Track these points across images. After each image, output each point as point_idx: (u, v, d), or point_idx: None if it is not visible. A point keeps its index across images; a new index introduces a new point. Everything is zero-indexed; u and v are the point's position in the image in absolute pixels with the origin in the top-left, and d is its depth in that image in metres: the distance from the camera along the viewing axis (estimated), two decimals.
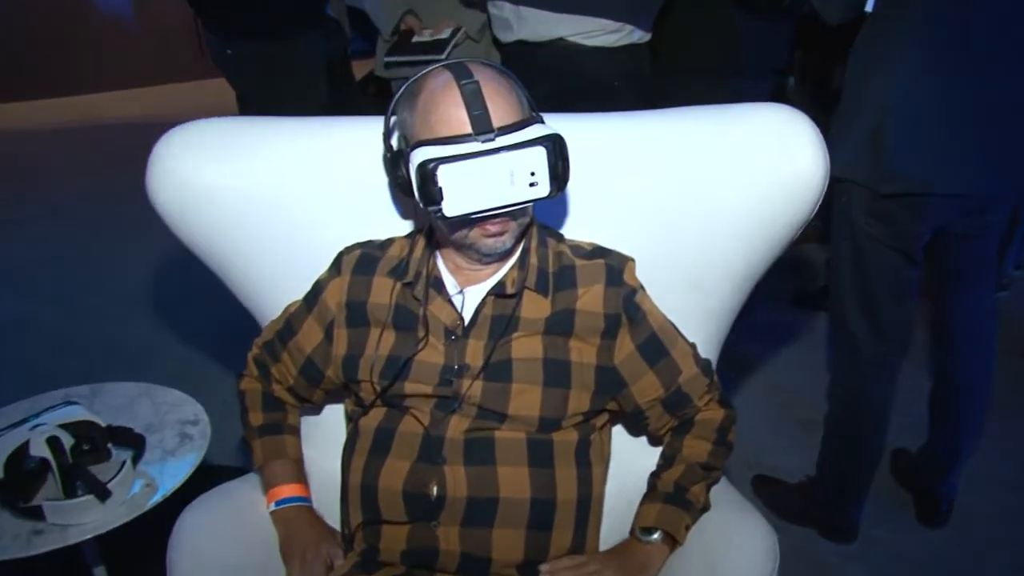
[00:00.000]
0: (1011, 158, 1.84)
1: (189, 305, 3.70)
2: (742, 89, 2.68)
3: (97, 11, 7.88)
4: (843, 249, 1.99)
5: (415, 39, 2.93)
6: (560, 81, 2.43)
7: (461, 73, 1.23)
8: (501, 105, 1.22)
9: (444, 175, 1.18)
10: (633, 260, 1.40)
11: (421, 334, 1.35)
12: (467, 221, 1.24)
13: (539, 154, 1.19)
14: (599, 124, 1.52)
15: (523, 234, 1.34)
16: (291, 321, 1.47)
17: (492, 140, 1.19)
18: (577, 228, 1.47)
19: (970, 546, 2.29)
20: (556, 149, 1.19)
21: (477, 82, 1.22)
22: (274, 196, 1.50)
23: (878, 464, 2.23)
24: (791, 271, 3.69)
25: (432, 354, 1.34)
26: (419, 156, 1.18)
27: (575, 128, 1.51)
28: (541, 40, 2.49)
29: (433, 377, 1.33)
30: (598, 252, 1.40)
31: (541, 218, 1.44)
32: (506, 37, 2.58)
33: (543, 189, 1.20)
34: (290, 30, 2.89)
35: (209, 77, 7.60)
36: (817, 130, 1.40)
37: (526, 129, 1.21)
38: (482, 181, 1.19)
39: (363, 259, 1.42)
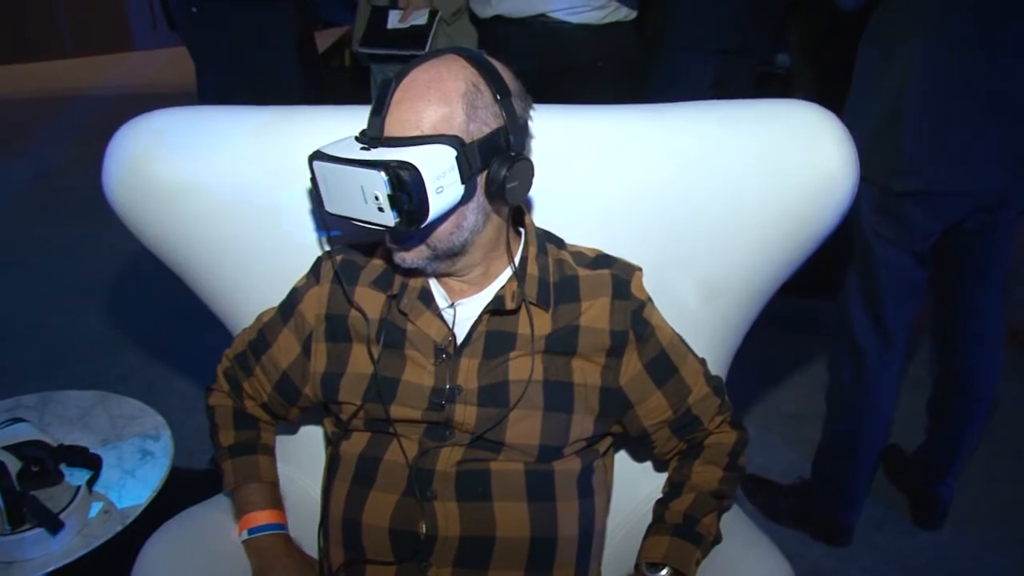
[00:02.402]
0: None
1: (146, 298, 3.52)
2: (728, 67, 2.59)
3: None
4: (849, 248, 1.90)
5: (390, 25, 2.79)
6: (541, 60, 2.32)
7: (405, 69, 1.12)
8: (406, 113, 1.09)
9: (318, 170, 1.12)
10: (641, 270, 1.28)
11: (408, 352, 1.22)
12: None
13: (378, 179, 1.04)
14: (608, 115, 1.39)
15: (458, 252, 1.18)
16: (265, 332, 1.33)
17: (367, 150, 1.08)
18: (584, 229, 1.34)
19: (969, 548, 2.22)
20: (396, 180, 1.03)
21: (397, 83, 1.10)
22: (240, 193, 1.37)
23: (876, 467, 2.15)
24: None
25: (420, 375, 1.22)
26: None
27: (583, 117, 1.39)
28: (521, 16, 2.37)
29: (422, 401, 1.20)
30: (603, 261, 1.28)
31: (542, 218, 1.31)
32: (484, 12, 2.45)
33: (387, 217, 1.06)
34: None
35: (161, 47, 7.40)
36: (847, 130, 1.28)
37: (399, 148, 1.06)
38: (340, 188, 1.10)
39: (345, 266, 1.28)
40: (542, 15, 2.35)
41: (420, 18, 2.76)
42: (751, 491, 2.36)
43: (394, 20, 2.80)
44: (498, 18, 2.41)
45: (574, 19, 2.34)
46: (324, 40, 3.63)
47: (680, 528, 1.24)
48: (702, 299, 1.35)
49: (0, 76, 7.18)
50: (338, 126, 1.20)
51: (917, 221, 1.79)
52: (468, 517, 1.17)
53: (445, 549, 1.17)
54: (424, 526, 1.17)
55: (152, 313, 3.40)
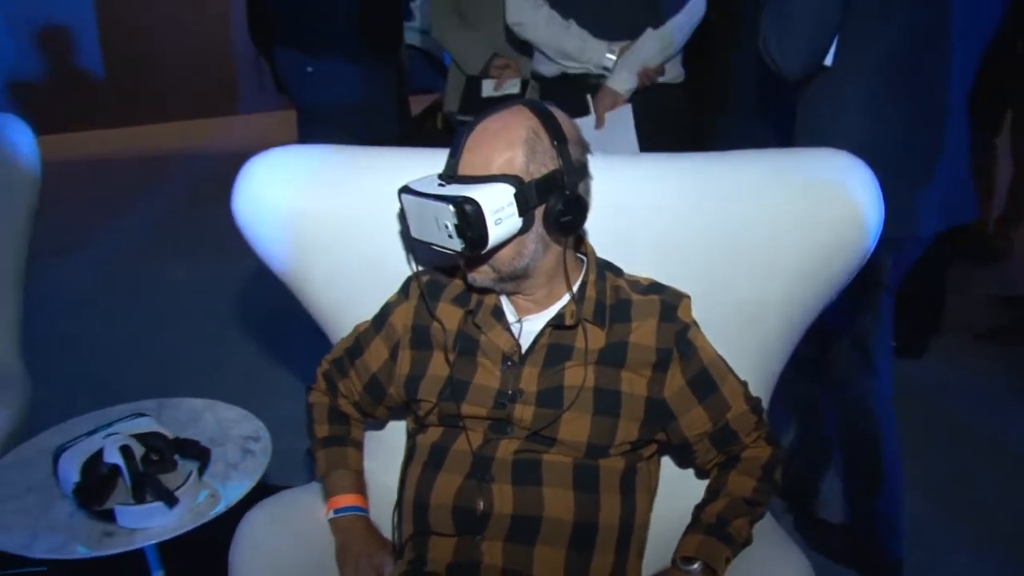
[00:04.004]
0: (955, 195, 1.94)
1: (246, 330, 3.86)
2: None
3: (160, 44, 8.13)
4: None
5: (484, 94, 3.03)
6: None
7: (479, 118, 1.34)
8: (475, 156, 1.31)
9: (405, 202, 1.33)
10: (689, 297, 1.44)
11: (479, 359, 1.41)
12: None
13: (448, 211, 1.25)
14: (664, 163, 1.58)
15: (520, 276, 1.37)
16: (360, 340, 1.54)
17: (443, 186, 1.30)
18: (638, 259, 1.52)
19: None
20: (461, 213, 1.23)
21: (470, 130, 1.33)
22: (350, 222, 1.59)
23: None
24: None
25: (488, 379, 1.40)
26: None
27: (639, 164, 1.59)
28: (578, 73, 2.59)
29: (488, 400, 1.39)
30: (654, 288, 1.45)
31: (603, 250, 1.49)
32: (549, 71, 2.66)
33: (455, 243, 1.27)
34: (373, 55, 3.05)
35: (266, 110, 7.87)
36: (874, 176, 1.45)
37: (468, 185, 1.27)
38: (421, 217, 1.32)
39: (430, 285, 1.49)
40: (600, 74, 2.56)
41: (513, 87, 2.99)
42: (801, 528, 2.45)
43: (488, 89, 3.04)
44: (564, 76, 2.62)
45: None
46: (416, 105, 3.93)
47: (713, 528, 1.38)
48: (741, 325, 1.51)
49: (115, 137, 7.74)
50: (427, 166, 1.41)
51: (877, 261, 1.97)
52: (520, 498, 1.34)
53: (498, 525, 1.34)
54: (481, 504, 1.34)
55: (253, 341, 3.76)
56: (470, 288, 1.44)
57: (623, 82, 2.52)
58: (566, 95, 2.51)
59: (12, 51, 7.50)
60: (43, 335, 2.69)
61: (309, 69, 3.02)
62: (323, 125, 3.02)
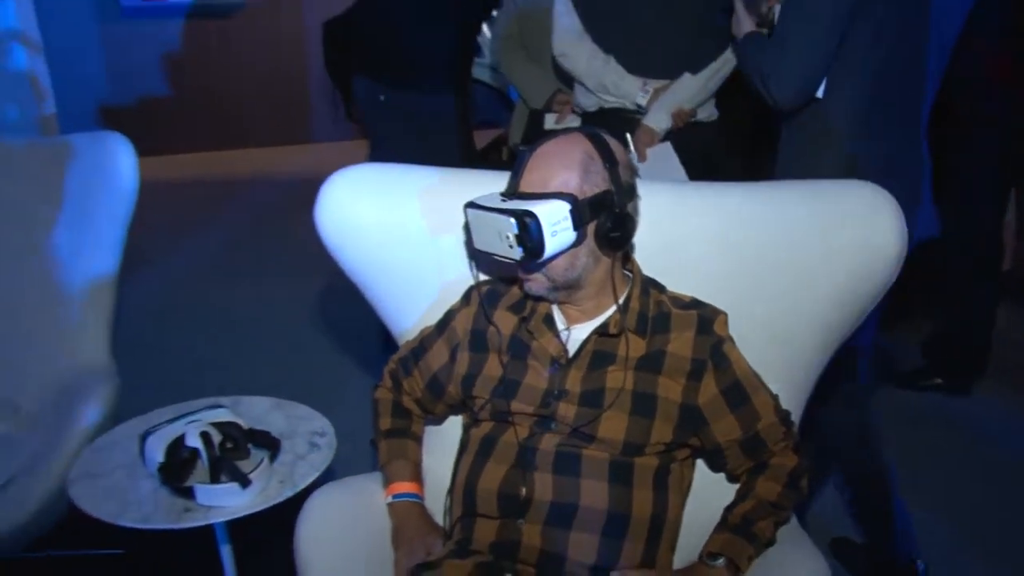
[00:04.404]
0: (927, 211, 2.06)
1: (313, 341, 4.08)
2: None
3: (237, 74, 8.49)
4: None
5: (546, 127, 3.19)
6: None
7: (539, 142, 1.51)
8: (538, 174, 1.47)
9: (470, 216, 1.49)
10: (725, 314, 1.57)
11: (530, 362, 1.55)
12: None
13: (511, 223, 1.40)
14: (704, 191, 1.73)
15: (572, 286, 1.52)
16: (424, 342, 1.70)
17: (505, 201, 1.46)
18: (679, 281, 1.65)
19: None
20: (522, 224, 1.39)
21: (531, 152, 1.49)
22: (413, 232, 1.76)
23: None
24: None
25: (537, 379, 1.54)
26: None
27: (681, 193, 1.73)
28: (615, 107, 2.72)
29: (536, 399, 1.53)
30: (693, 304, 1.58)
31: (648, 271, 1.63)
32: (589, 105, 2.80)
33: (515, 252, 1.42)
34: (443, 88, 3.27)
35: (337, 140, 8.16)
36: (899, 207, 1.57)
37: (528, 201, 1.43)
38: (484, 229, 1.47)
39: (489, 294, 1.65)
40: (634, 110, 2.69)
41: (574, 121, 3.15)
42: (838, 554, 2.50)
43: (550, 122, 3.19)
44: (602, 110, 2.75)
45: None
46: (482, 139, 4.11)
47: (738, 528, 1.49)
48: (772, 343, 1.63)
49: (193, 161, 8.09)
50: (489, 186, 1.57)
51: None
52: (559, 487, 1.47)
53: (538, 510, 1.47)
54: (524, 490, 1.48)
55: (320, 351, 3.98)
56: (526, 297, 1.58)
57: (659, 121, 2.64)
58: (604, 128, 2.66)
59: (105, 80, 7.90)
60: (126, 339, 2.89)
61: (382, 98, 3.23)
62: (392, 152, 3.21)
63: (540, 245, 1.40)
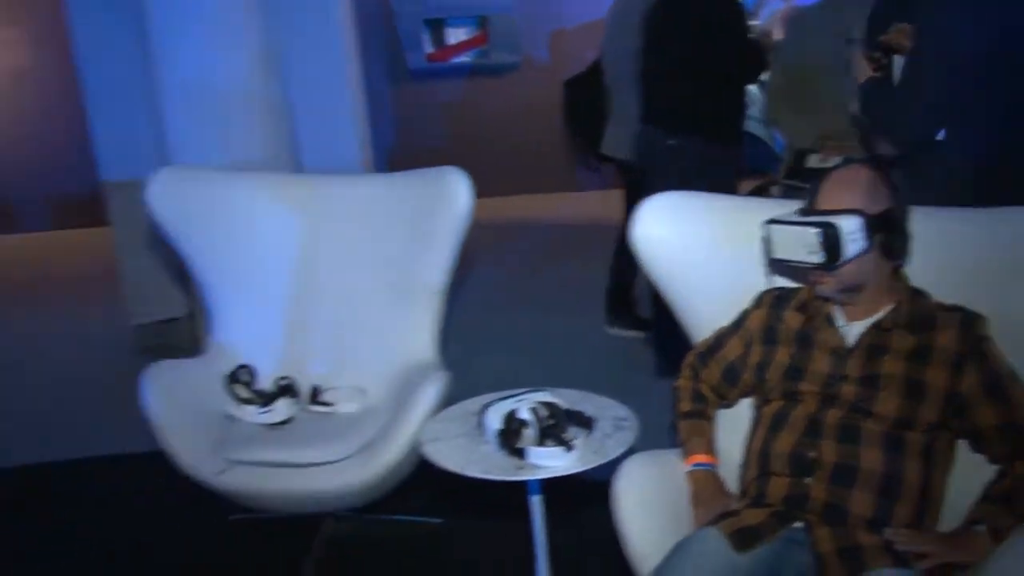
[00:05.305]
0: None
1: (580, 368, 4.38)
2: None
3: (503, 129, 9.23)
4: None
5: (808, 165, 3.50)
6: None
7: (833, 171, 1.82)
8: (833, 194, 1.76)
9: (771, 231, 1.79)
10: (985, 317, 1.79)
11: (815, 352, 1.85)
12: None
13: (815, 233, 1.68)
14: (969, 215, 2.04)
15: (857, 288, 1.79)
16: (720, 338, 2.05)
17: (806, 216, 1.75)
18: (944, 292, 1.88)
19: None
20: (824, 236, 1.67)
21: (827, 175, 1.80)
22: (716, 249, 2.12)
23: None
24: None
25: (822, 366, 1.84)
26: None
27: (950, 216, 2.02)
28: None
29: (821, 381, 1.82)
30: (956, 308, 1.82)
31: (917, 281, 1.89)
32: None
33: (816, 257, 1.70)
34: (731, 136, 3.68)
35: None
36: None
37: (826, 216, 1.71)
38: (785, 240, 1.77)
39: (778, 298, 1.97)
40: None
41: (835, 162, 3.41)
42: None
43: (814, 161, 3.51)
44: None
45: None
46: (745, 185, 4.40)
47: (999, 500, 1.70)
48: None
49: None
50: (768, 211, 1.90)
51: None
52: (842, 451, 1.75)
53: (824, 470, 1.74)
54: (813, 453, 1.76)
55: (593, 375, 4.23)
56: (816, 297, 1.88)
57: None
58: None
59: (393, 132, 8.86)
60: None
61: (671, 142, 3.62)
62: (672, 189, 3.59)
63: (840, 250, 1.69)
